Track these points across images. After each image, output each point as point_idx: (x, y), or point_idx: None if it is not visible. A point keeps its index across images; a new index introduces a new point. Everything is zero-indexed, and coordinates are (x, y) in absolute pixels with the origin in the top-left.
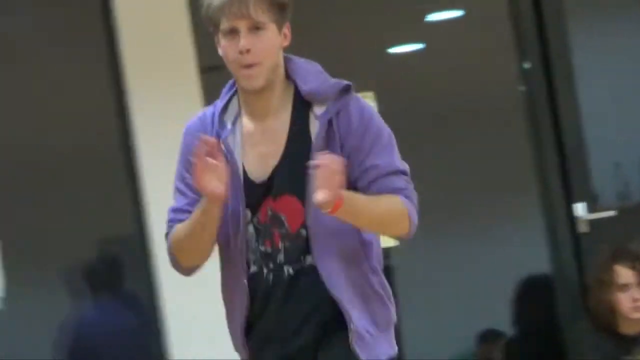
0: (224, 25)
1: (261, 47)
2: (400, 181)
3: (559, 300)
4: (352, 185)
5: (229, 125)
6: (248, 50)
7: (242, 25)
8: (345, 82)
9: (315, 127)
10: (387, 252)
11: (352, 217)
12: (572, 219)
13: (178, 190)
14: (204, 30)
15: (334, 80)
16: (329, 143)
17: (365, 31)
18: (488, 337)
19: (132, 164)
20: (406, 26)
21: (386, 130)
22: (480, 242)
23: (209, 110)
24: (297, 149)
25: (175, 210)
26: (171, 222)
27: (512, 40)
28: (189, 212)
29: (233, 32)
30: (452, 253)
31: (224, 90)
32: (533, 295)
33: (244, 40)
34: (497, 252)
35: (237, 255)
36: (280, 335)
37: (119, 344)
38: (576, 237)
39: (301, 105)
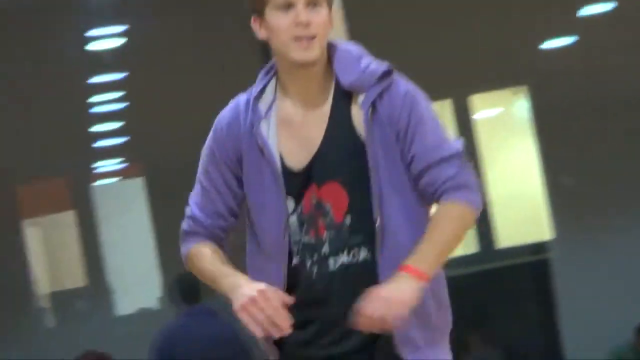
0: None
1: (318, 21)
2: (449, 169)
3: None
4: (406, 169)
5: (263, 112)
6: (308, 24)
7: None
8: (386, 65)
9: (359, 116)
10: (543, 245)
11: (439, 264)
12: None
13: (200, 183)
14: (357, 36)
15: (373, 66)
16: (377, 128)
17: (518, 27)
18: None
19: None
20: (558, 21)
21: (430, 109)
22: (637, 235)
23: (243, 97)
24: (339, 135)
25: (197, 205)
26: (192, 222)
27: None
28: (214, 213)
29: (289, 7)
30: (609, 246)
31: (260, 75)
32: None
33: (304, 14)
34: None
35: (277, 248)
36: (328, 336)
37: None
38: None
39: (342, 94)
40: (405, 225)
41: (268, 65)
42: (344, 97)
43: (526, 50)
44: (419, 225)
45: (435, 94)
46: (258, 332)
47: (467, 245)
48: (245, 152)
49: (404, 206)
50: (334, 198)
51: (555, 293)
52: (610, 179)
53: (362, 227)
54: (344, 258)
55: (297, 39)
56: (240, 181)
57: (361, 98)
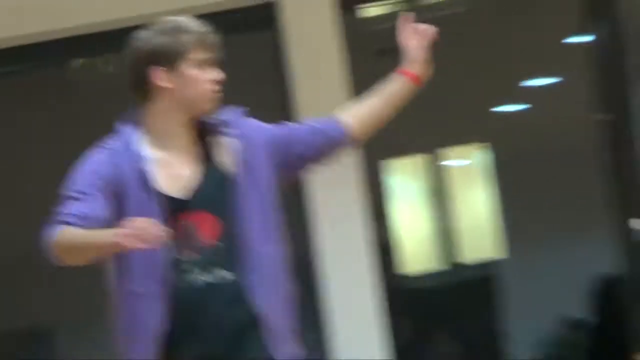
0: (200, 55)
1: None
2: (323, 118)
3: (625, 297)
4: (296, 162)
5: (144, 155)
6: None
7: (213, 58)
8: (239, 107)
9: (226, 149)
10: (495, 263)
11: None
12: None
13: (77, 199)
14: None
15: (228, 107)
16: (249, 154)
17: (481, 92)
18: (572, 326)
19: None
20: (513, 90)
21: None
22: (564, 253)
23: (115, 143)
24: (210, 170)
25: (73, 215)
26: (79, 220)
27: (594, 97)
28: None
29: (205, 64)
30: (542, 263)
31: (121, 125)
32: (607, 293)
33: (219, 74)
34: (577, 261)
35: (154, 265)
36: (197, 343)
37: None
38: None
39: (203, 135)
40: (268, 244)
41: (125, 119)
42: (204, 138)
43: (490, 112)
44: (277, 236)
45: (413, 148)
46: (139, 244)
47: (439, 263)
48: (129, 191)
49: (267, 227)
50: (203, 225)
51: (503, 303)
52: (550, 210)
53: (230, 251)
54: (211, 277)
55: (214, 93)
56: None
57: (231, 131)
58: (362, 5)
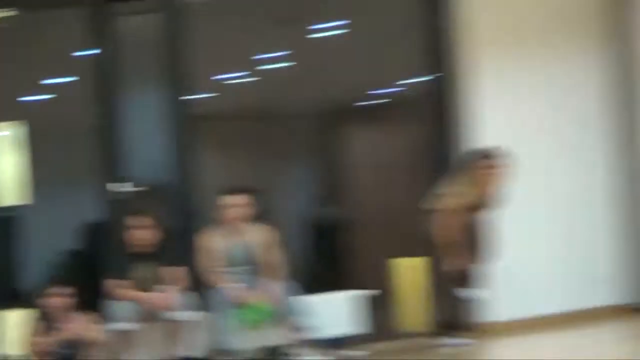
0: None
1: None
2: None
3: (102, 235)
4: None
5: None
6: None
7: None
8: None
9: None
10: (16, 207)
11: None
12: (117, 194)
13: None
14: None
15: None
16: None
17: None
18: (69, 254)
19: None
20: (39, 86)
21: None
22: (69, 203)
23: None
24: None
25: None
26: None
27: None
28: None
29: None
30: (55, 209)
31: None
32: (91, 232)
33: None
34: (77, 209)
35: None
36: None
37: None
38: (122, 201)
39: None
40: None
41: None
42: None
43: (25, 101)
44: None
45: None
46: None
47: None
48: None
49: None
50: None
51: (25, 237)
52: (62, 172)
53: None
54: None
55: None
56: None
57: None
58: None
